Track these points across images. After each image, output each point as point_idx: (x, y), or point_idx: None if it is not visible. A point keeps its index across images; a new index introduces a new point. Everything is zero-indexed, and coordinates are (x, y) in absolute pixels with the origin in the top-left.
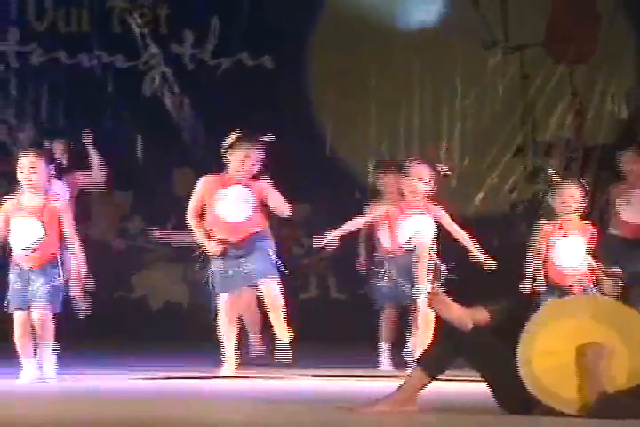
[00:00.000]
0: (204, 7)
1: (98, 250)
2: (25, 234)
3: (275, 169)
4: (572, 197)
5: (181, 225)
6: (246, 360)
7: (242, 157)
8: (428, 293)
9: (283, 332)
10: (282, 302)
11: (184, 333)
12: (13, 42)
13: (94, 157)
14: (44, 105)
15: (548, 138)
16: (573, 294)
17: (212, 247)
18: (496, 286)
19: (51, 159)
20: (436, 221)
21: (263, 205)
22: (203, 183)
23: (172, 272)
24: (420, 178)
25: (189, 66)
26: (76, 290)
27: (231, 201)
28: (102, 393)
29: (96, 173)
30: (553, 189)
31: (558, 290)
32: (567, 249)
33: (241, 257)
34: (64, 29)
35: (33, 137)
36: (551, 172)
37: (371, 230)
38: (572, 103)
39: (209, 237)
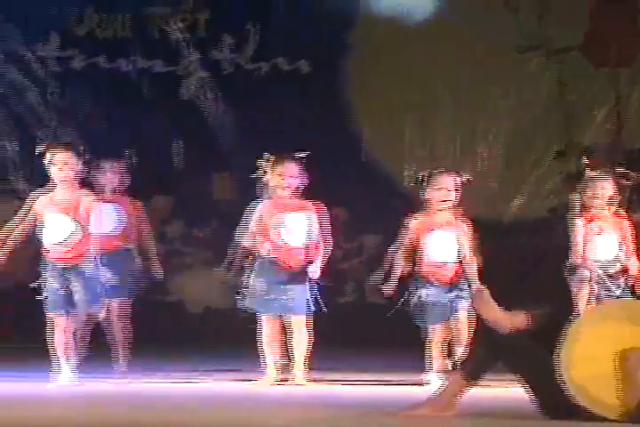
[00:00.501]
0: (242, 12)
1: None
2: (57, 230)
3: (311, 173)
4: (603, 190)
5: (221, 229)
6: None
7: (277, 175)
8: (475, 291)
9: (300, 373)
10: (307, 340)
11: (223, 337)
12: (54, 47)
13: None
14: (84, 109)
15: (588, 141)
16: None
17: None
18: (535, 289)
19: (81, 155)
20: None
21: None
22: (259, 209)
23: (210, 276)
24: (447, 188)
25: (228, 70)
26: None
27: (290, 225)
28: (139, 398)
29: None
30: (586, 182)
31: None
32: (601, 244)
33: (287, 284)
34: (104, 34)
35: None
36: (585, 162)
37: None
38: (611, 107)
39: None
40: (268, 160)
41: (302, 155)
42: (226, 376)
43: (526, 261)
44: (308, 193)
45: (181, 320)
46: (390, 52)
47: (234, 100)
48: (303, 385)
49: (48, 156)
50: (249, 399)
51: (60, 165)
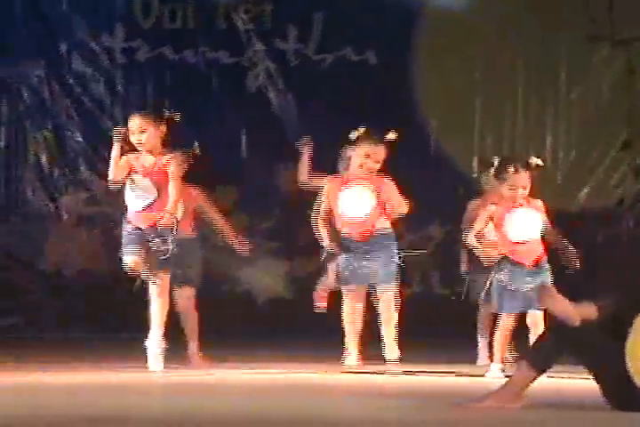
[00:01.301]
0: (307, 2)
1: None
2: (138, 193)
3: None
4: None
5: (286, 220)
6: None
7: (363, 155)
8: (541, 286)
9: (391, 349)
10: (395, 316)
11: (290, 327)
12: (120, 38)
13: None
14: (149, 101)
15: None
16: None
17: (330, 247)
18: (603, 280)
19: (159, 120)
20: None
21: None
22: (326, 185)
23: (277, 267)
24: (522, 186)
25: (293, 61)
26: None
27: (352, 199)
28: (208, 387)
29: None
30: None
31: None
32: None
33: (366, 253)
34: (169, 26)
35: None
36: None
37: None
38: None
39: (330, 236)
40: (361, 135)
41: (392, 137)
42: (294, 366)
43: (595, 252)
44: None
45: (248, 310)
46: (459, 44)
47: (300, 91)
48: (399, 374)
49: (128, 124)
50: (317, 389)
51: (136, 131)
